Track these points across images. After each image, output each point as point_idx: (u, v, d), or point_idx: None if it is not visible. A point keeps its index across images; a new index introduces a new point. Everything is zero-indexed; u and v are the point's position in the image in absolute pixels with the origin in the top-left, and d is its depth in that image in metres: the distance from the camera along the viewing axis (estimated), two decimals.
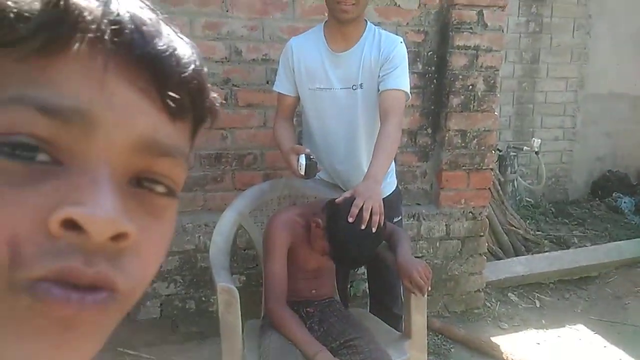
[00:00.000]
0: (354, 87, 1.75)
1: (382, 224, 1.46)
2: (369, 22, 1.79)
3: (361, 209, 1.42)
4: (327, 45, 1.75)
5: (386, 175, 1.91)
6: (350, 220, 1.41)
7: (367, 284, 2.55)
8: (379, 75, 1.71)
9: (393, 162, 1.98)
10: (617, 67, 4.78)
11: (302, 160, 1.61)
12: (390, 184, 1.95)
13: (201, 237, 2.33)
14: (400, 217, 2.00)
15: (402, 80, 1.69)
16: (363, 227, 1.40)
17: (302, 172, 1.61)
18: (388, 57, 1.69)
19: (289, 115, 1.90)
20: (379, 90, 1.72)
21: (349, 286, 2.49)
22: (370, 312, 2.00)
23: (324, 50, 1.76)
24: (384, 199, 1.90)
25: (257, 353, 1.54)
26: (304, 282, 1.69)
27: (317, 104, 1.80)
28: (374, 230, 1.42)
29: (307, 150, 1.64)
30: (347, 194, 1.50)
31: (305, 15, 2.33)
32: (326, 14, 2.32)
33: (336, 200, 1.52)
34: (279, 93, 1.86)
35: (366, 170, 1.62)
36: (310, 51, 1.77)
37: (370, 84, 1.74)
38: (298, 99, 1.86)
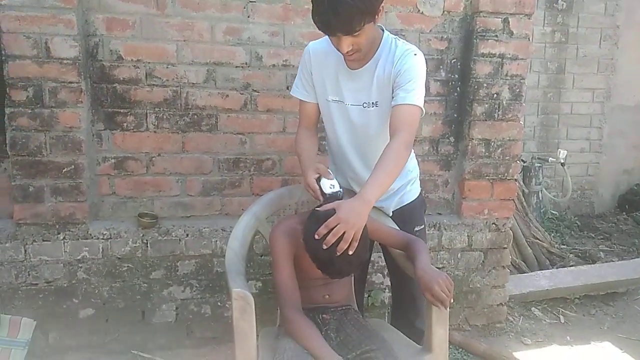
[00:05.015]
0: (365, 105, 1.68)
1: (349, 252, 1.37)
2: (385, 33, 1.67)
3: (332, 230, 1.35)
4: (343, 59, 1.66)
5: (407, 182, 1.86)
6: (317, 237, 1.36)
7: (384, 293, 2.52)
8: (392, 90, 1.63)
9: (417, 168, 1.93)
10: None
11: (325, 188, 1.55)
12: (411, 192, 1.88)
13: (218, 242, 2.32)
14: (422, 226, 1.92)
15: (414, 94, 1.57)
16: (325, 247, 1.35)
17: (321, 198, 1.56)
18: (400, 70, 1.58)
19: (311, 124, 1.82)
20: None
21: (366, 296, 2.44)
22: (391, 324, 1.95)
23: (339, 62, 1.67)
24: (403, 206, 1.86)
25: None
26: (315, 288, 1.66)
27: (329, 114, 1.75)
28: (337, 254, 1.36)
29: (331, 178, 1.58)
30: (329, 206, 1.42)
31: None
32: None
33: (317, 208, 1.45)
34: (299, 99, 1.81)
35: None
36: (326, 60, 1.69)
37: (385, 101, 1.64)
38: (318, 106, 1.79)
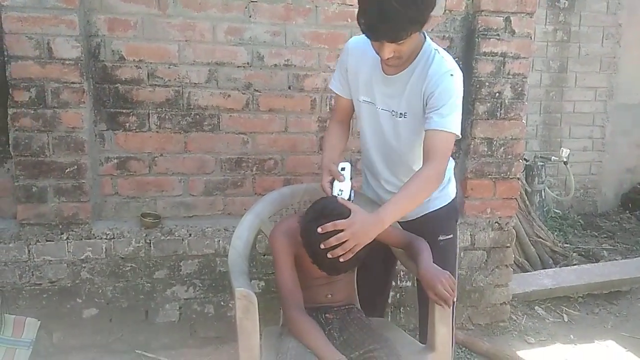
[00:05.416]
0: (393, 114, 1.63)
1: (340, 259, 1.36)
2: (427, 41, 1.59)
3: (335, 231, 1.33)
4: (379, 62, 1.60)
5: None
6: (320, 231, 1.35)
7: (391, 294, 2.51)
8: (425, 108, 1.56)
9: (451, 171, 1.82)
10: None
11: (336, 191, 1.55)
12: (438, 199, 1.75)
13: (220, 242, 2.32)
14: (450, 236, 1.78)
15: (449, 120, 1.50)
16: (322, 247, 1.34)
17: (331, 194, 1.56)
18: (433, 93, 1.52)
19: (343, 118, 1.81)
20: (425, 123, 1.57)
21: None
22: (420, 326, 1.92)
23: (376, 64, 1.62)
24: (427, 214, 1.76)
25: None
26: (317, 287, 1.66)
27: (360, 114, 1.73)
28: (328, 255, 1.34)
29: (342, 180, 1.56)
30: (348, 205, 1.41)
31: (328, 21, 2.31)
32: (350, 20, 2.33)
33: (336, 200, 1.45)
34: (335, 93, 1.80)
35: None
36: (364, 59, 1.65)
37: (414, 113, 1.59)
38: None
